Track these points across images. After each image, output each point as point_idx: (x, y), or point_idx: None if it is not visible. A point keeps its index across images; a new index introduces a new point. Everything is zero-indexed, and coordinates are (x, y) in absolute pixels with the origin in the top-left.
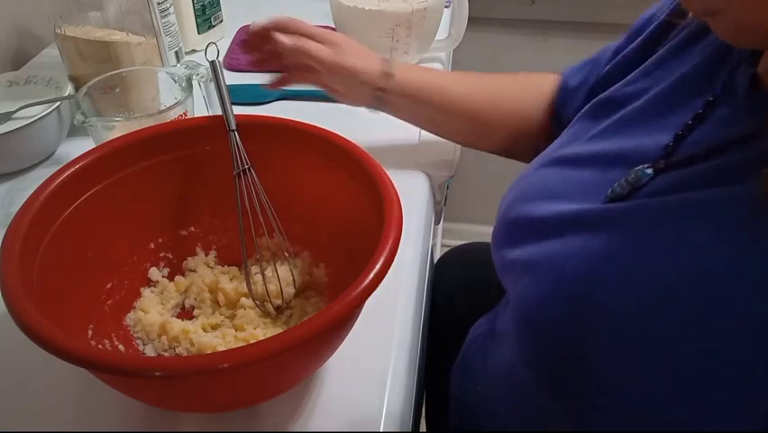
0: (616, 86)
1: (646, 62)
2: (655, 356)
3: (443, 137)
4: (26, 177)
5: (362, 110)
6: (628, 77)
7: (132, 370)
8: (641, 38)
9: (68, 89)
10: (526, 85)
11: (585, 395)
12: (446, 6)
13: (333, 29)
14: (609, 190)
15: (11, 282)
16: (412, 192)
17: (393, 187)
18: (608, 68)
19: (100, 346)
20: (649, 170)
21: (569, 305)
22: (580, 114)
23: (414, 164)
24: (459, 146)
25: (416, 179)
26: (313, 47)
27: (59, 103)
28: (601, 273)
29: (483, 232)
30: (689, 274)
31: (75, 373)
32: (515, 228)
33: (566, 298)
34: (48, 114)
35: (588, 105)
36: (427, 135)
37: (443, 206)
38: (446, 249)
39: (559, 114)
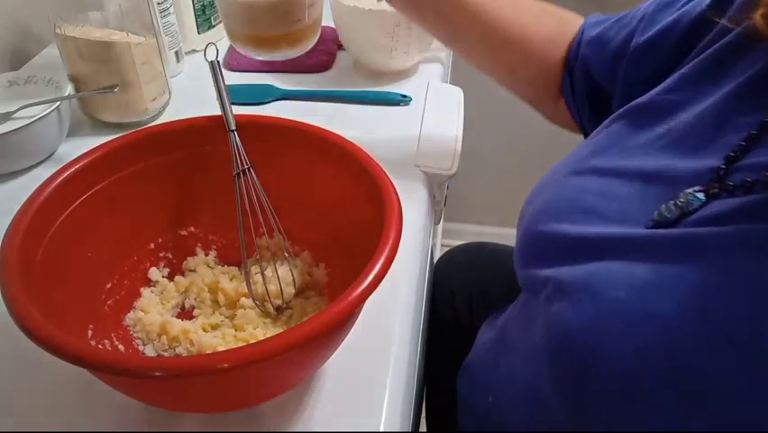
0: (656, 90)
1: (686, 68)
2: (708, 396)
3: (448, 45)
4: (26, 177)
5: (363, 110)
6: (668, 82)
7: (132, 370)
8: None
9: (68, 89)
10: (547, 10)
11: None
12: None
13: (332, 29)
14: (656, 213)
15: (11, 282)
16: (412, 192)
17: (393, 187)
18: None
19: (100, 346)
20: (701, 195)
21: (611, 337)
22: (615, 117)
23: (414, 164)
24: (459, 146)
25: (415, 178)
26: None
27: (59, 103)
28: (649, 305)
29: (483, 232)
30: (749, 314)
31: (75, 373)
32: (547, 245)
33: (609, 330)
34: (48, 114)
35: (624, 110)
36: (427, 135)
37: (443, 206)
38: (446, 249)
39: (570, 60)
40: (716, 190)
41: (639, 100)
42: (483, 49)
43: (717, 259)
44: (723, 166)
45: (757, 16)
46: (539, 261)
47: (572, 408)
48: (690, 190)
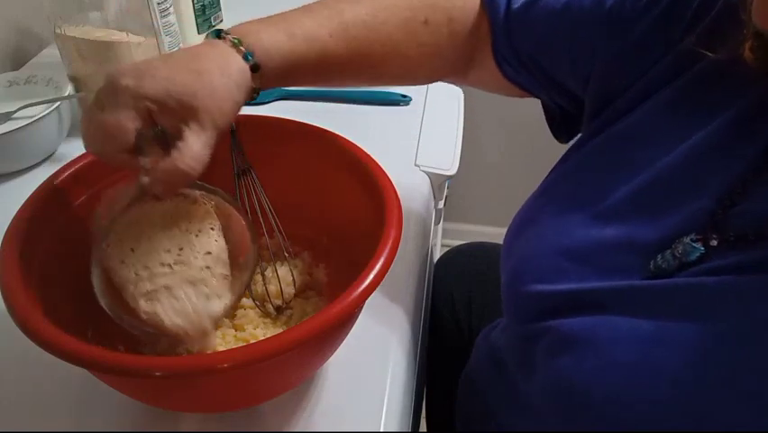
0: (633, 117)
1: (662, 93)
2: None
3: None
4: (26, 177)
5: (363, 110)
6: (646, 107)
7: (132, 370)
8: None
9: (68, 89)
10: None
11: None
12: None
13: None
14: (652, 264)
15: (11, 282)
16: (412, 192)
17: (393, 187)
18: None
19: (100, 346)
20: (698, 244)
21: (621, 393)
22: (591, 145)
23: (414, 164)
24: (459, 146)
25: (415, 179)
26: (188, 156)
27: (59, 103)
28: (657, 360)
29: (483, 232)
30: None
31: (75, 373)
32: (540, 304)
33: (618, 385)
34: (48, 114)
35: (600, 139)
36: (427, 135)
37: (443, 206)
38: (446, 249)
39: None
40: (714, 242)
41: (616, 129)
42: (381, 78)
43: (731, 311)
44: (720, 211)
45: (746, 49)
46: (534, 317)
47: None
48: (687, 240)
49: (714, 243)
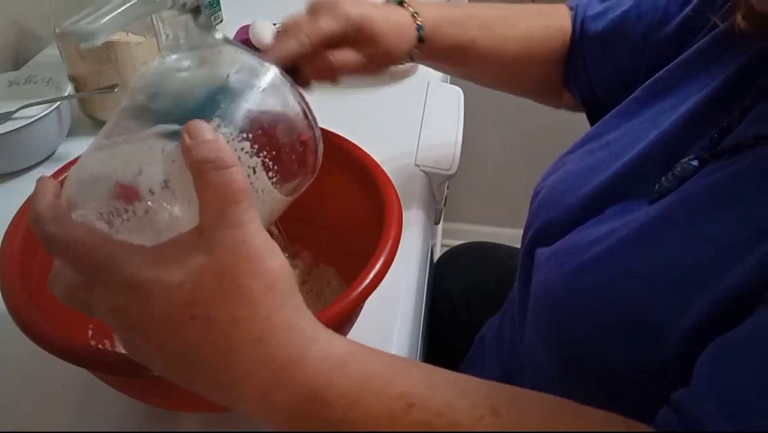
0: (667, 67)
1: (695, 46)
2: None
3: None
4: (26, 177)
5: (362, 110)
6: (679, 59)
7: (132, 370)
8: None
9: (68, 89)
10: (548, 23)
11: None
12: None
13: None
14: (657, 186)
15: (11, 282)
16: (412, 192)
17: (393, 187)
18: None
19: (100, 346)
20: (694, 162)
21: (583, 291)
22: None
23: (414, 164)
24: (459, 146)
25: (415, 178)
26: (349, 60)
27: (59, 103)
28: (623, 260)
29: (483, 232)
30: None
31: (75, 373)
32: (557, 222)
33: (580, 284)
34: (48, 114)
35: (638, 90)
36: (427, 135)
37: (443, 206)
38: (446, 249)
39: (574, 57)
40: (707, 156)
41: (655, 77)
42: (492, 78)
43: (685, 215)
44: (716, 135)
45: (738, 17)
46: (545, 240)
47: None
48: (684, 160)
49: (706, 157)
